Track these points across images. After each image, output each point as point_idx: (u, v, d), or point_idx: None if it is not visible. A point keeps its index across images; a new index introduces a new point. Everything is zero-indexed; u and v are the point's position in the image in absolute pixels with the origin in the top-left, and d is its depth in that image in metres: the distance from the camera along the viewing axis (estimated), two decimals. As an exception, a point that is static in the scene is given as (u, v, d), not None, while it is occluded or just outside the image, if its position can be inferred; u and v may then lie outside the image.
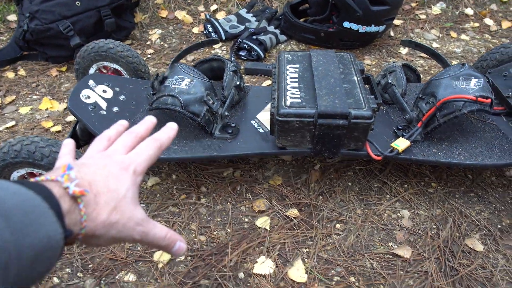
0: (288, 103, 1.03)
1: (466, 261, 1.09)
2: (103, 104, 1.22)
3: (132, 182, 0.46)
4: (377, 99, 1.08)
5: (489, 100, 1.08)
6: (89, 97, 1.22)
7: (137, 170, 0.48)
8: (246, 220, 1.18)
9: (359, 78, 1.12)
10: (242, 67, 1.81)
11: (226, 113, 1.18)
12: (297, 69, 1.15)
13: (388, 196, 1.25)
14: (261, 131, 1.18)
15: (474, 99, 1.06)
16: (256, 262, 1.06)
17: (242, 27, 2.00)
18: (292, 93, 1.06)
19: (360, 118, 1.00)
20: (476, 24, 2.12)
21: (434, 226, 1.17)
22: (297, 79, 1.11)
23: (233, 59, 1.83)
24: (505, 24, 2.11)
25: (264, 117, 1.22)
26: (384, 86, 1.28)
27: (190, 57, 1.90)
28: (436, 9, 2.18)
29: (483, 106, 1.09)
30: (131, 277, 1.05)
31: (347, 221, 1.17)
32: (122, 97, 1.27)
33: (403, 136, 1.15)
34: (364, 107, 1.02)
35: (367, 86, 1.21)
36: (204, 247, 1.11)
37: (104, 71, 1.47)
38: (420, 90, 1.22)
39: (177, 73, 1.17)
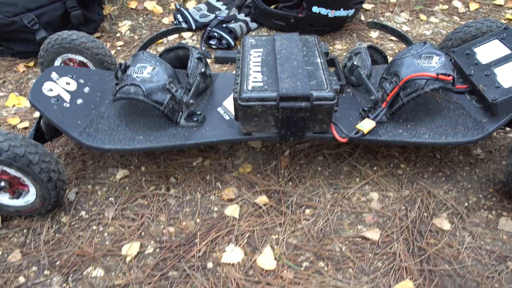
0: (250, 87, 1.02)
1: (434, 240, 1.10)
2: (67, 97, 1.19)
3: None
4: (340, 81, 1.07)
5: (450, 78, 1.08)
6: (51, 89, 1.19)
7: None
8: (215, 209, 1.17)
9: (322, 60, 1.11)
10: (212, 56, 1.79)
11: (191, 101, 1.16)
12: (260, 53, 1.14)
13: (357, 179, 1.25)
14: (227, 118, 1.17)
15: (435, 76, 1.07)
16: (225, 251, 1.06)
17: (213, 15, 1.98)
18: (255, 77, 1.05)
19: (322, 99, 1.00)
20: (445, 7, 2.13)
21: (402, 207, 1.18)
22: (260, 63, 1.10)
23: (203, 48, 1.81)
24: (473, 6, 2.13)
25: (231, 104, 1.21)
26: (350, 68, 1.27)
27: (160, 48, 1.87)
28: (406, -8, 2.18)
29: (445, 83, 1.09)
30: (99, 272, 1.03)
31: (317, 206, 1.17)
32: (86, 89, 1.24)
33: (368, 117, 1.15)
34: (326, 88, 1.01)
35: (332, 68, 1.20)
36: (173, 238, 1.10)
37: (70, 63, 1.44)
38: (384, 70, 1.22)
39: (139, 61, 1.15)
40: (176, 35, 1.93)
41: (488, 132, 1.12)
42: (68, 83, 1.23)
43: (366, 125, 1.11)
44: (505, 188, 1.22)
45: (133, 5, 2.13)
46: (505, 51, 1.20)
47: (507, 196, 1.20)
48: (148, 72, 1.12)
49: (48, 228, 1.12)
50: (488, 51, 1.23)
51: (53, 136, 1.26)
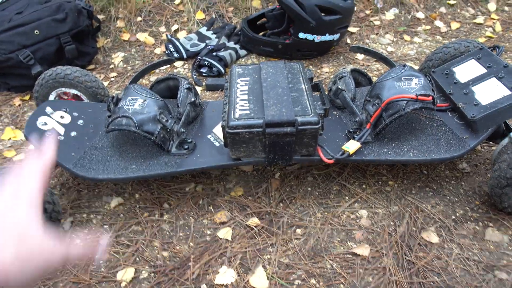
0: (237, 115, 1.06)
1: (423, 253, 1.13)
2: (61, 130, 1.24)
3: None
4: (324, 105, 1.12)
5: (430, 98, 1.13)
6: (46, 123, 1.23)
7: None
8: (208, 232, 1.20)
9: (307, 86, 1.16)
10: (203, 84, 1.84)
11: (181, 130, 1.21)
12: (247, 82, 1.19)
13: (347, 197, 1.29)
14: (217, 144, 1.21)
15: (414, 97, 1.12)
16: (218, 272, 1.08)
17: (203, 44, 2.04)
18: (242, 105, 1.09)
19: (307, 124, 1.04)
20: (428, 27, 2.21)
21: (391, 223, 1.21)
22: (246, 92, 1.15)
23: (194, 76, 1.87)
24: (454, 25, 2.20)
25: (220, 130, 1.25)
26: (335, 92, 1.32)
27: (153, 78, 1.93)
28: (389, 15, 2.25)
29: (425, 103, 1.14)
30: (95, 298, 1.06)
31: (307, 225, 1.20)
32: (80, 122, 1.29)
33: (354, 138, 1.19)
34: (310, 113, 1.06)
35: (316, 93, 1.25)
36: (167, 262, 1.13)
37: (65, 97, 1.48)
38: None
39: (130, 94, 1.19)
40: (168, 65, 1.99)
41: (470, 148, 1.16)
42: (62, 117, 1.27)
43: (351, 146, 1.15)
44: (490, 200, 1.26)
45: (125, 37, 2.20)
46: (481, 70, 1.25)
47: (493, 207, 1.24)
48: (139, 104, 1.16)
49: (46, 258, 1.14)
50: (466, 70, 1.29)
51: (49, 168, 1.29)
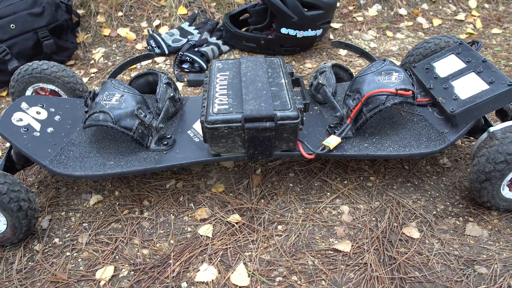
0: (215, 110, 1.05)
1: (404, 249, 1.13)
2: (37, 126, 1.21)
3: None
4: (304, 99, 1.11)
5: (409, 92, 1.13)
6: (21, 119, 1.20)
7: None
8: (189, 229, 1.18)
9: (287, 81, 1.15)
10: (185, 80, 1.82)
11: (161, 125, 1.19)
12: (226, 77, 1.18)
13: (328, 193, 1.28)
14: (197, 140, 1.20)
15: (394, 92, 1.11)
16: (199, 270, 1.07)
17: (185, 40, 2.02)
18: (220, 100, 1.08)
19: (286, 119, 1.03)
20: (410, 23, 2.22)
21: (373, 219, 1.21)
22: (226, 86, 1.13)
23: (176, 72, 1.84)
24: (436, 22, 2.22)
25: (200, 126, 1.24)
26: (316, 87, 1.32)
27: (134, 73, 1.90)
28: (372, 11, 2.26)
29: (405, 98, 1.14)
30: (73, 298, 1.03)
31: (289, 222, 1.20)
32: (57, 117, 1.26)
33: (334, 133, 1.19)
34: (290, 108, 1.05)
35: (296, 88, 1.24)
36: (147, 260, 1.11)
37: (42, 92, 1.45)
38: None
39: (107, 89, 1.17)
40: (150, 60, 1.96)
41: (449, 142, 1.17)
42: (38, 112, 1.24)
43: (332, 141, 1.15)
44: (470, 195, 1.26)
45: (106, 32, 2.16)
46: (460, 64, 1.26)
47: (473, 202, 1.24)
48: (116, 99, 1.14)
49: (21, 256, 1.12)
50: (445, 65, 1.29)
51: (24, 165, 1.26)
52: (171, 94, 1.25)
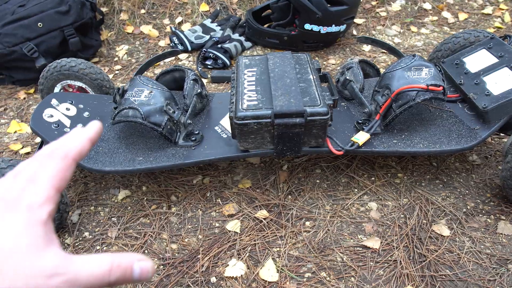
0: (245, 106, 1.04)
1: (434, 246, 1.11)
2: (67, 122, 1.22)
3: (27, 223, 0.31)
4: (333, 95, 1.10)
5: (440, 88, 1.11)
6: (52, 116, 1.22)
7: (34, 203, 0.32)
8: (217, 225, 1.19)
9: (315, 77, 1.14)
10: (209, 76, 1.83)
11: (188, 121, 1.19)
12: (254, 73, 1.17)
13: (356, 190, 1.27)
14: (224, 136, 1.20)
15: (425, 88, 1.10)
16: (228, 265, 1.07)
17: (207, 36, 2.02)
18: (249, 96, 1.08)
19: (316, 115, 1.02)
20: (435, 18, 2.18)
21: (401, 216, 1.20)
22: (254, 82, 1.13)
23: (199, 68, 1.85)
24: (462, 16, 2.18)
25: (227, 122, 1.24)
26: (343, 83, 1.30)
27: (157, 71, 1.91)
28: (396, 6, 2.23)
29: (435, 94, 1.12)
30: (104, 291, 1.05)
31: (316, 218, 1.19)
32: (86, 114, 1.27)
33: (363, 129, 1.17)
34: (319, 104, 1.04)
35: (325, 84, 1.23)
36: (176, 254, 1.12)
37: (70, 89, 1.47)
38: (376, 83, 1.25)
39: (136, 86, 1.18)
40: (173, 57, 1.97)
41: (481, 139, 1.15)
42: (68, 109, 1.26)
43: (360, 137, 1.14)
44: (502, 193, 1.24)
45: (129, 29, 2.18)
46: (492, 59, 1.23)
47: (505, 200, 1.22)
48: (145, 95, 1.15)
49: (53, 251, 1.14)
50: (476, 60, 1.26)
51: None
52: (198, 91, 1.26)
